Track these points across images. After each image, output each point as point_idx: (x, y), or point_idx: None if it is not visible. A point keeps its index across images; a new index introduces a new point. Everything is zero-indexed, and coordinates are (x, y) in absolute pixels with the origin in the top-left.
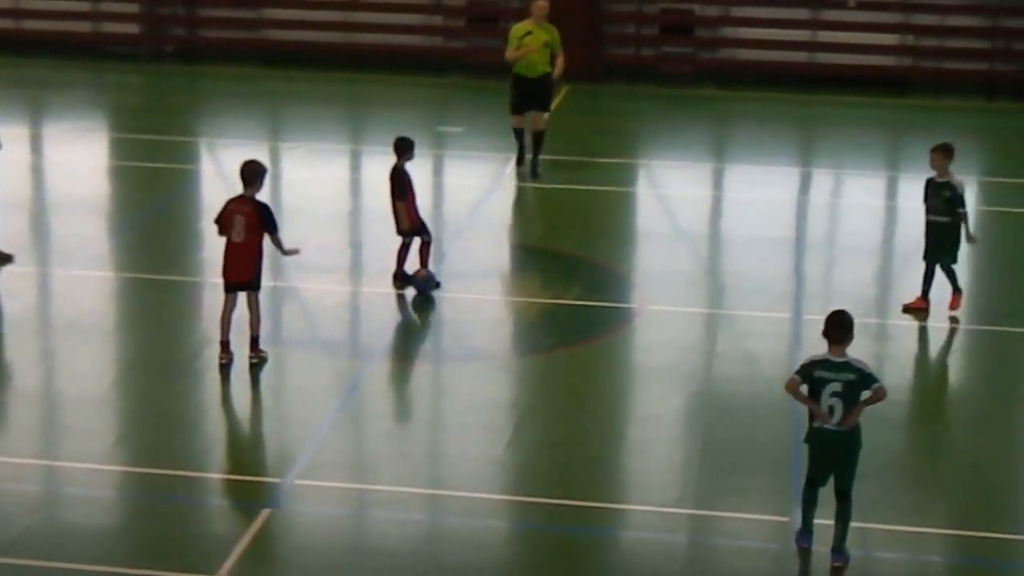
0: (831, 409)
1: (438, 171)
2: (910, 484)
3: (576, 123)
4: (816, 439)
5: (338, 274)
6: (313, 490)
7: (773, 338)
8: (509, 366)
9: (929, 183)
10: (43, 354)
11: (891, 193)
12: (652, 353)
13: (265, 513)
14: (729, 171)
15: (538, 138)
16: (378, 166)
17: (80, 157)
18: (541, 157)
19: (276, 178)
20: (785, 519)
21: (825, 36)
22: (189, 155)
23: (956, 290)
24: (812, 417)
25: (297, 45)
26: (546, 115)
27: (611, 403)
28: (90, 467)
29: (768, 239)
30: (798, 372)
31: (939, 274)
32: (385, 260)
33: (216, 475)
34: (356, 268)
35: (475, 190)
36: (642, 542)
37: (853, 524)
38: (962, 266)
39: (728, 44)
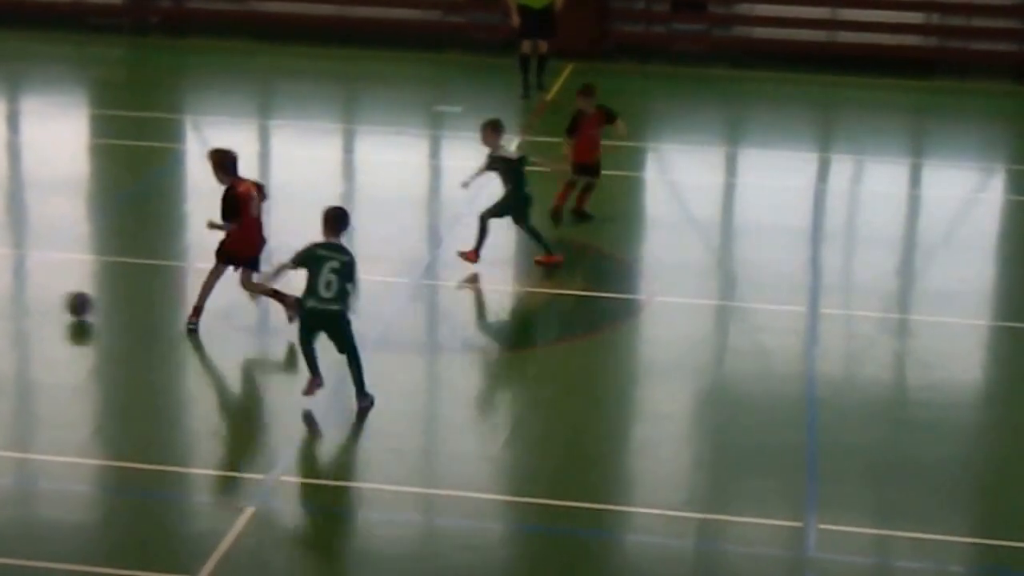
0: (328, 284)
1: (435, 153)
2: (930, 489)
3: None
4: (308, 316)
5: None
6: (299, 488)
7: (787, 333)
8: (508, 359)
9: None
10: (18, 340)
11: (914, 181)
12: (660, 347)
13: (249, 511)
14: (743, 155)
15: (541, 60)
16: (371, 146)
17: (59, 134)
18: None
19: (265, 157)
20: (798, 524)
21: (846, 14)
22: (174, 133)
23: None
24: (305, 297)
25: (288, 18)
26: (547, 42)
27: (615, 399)
28: (66, 460)
29: (783, 228)
30: (295, 259)
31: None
32: (379, 246)
33: (198, 471)
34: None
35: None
36: (646, 546)
37: (876, 531)
38: (986, 258)
39: (743, 22)
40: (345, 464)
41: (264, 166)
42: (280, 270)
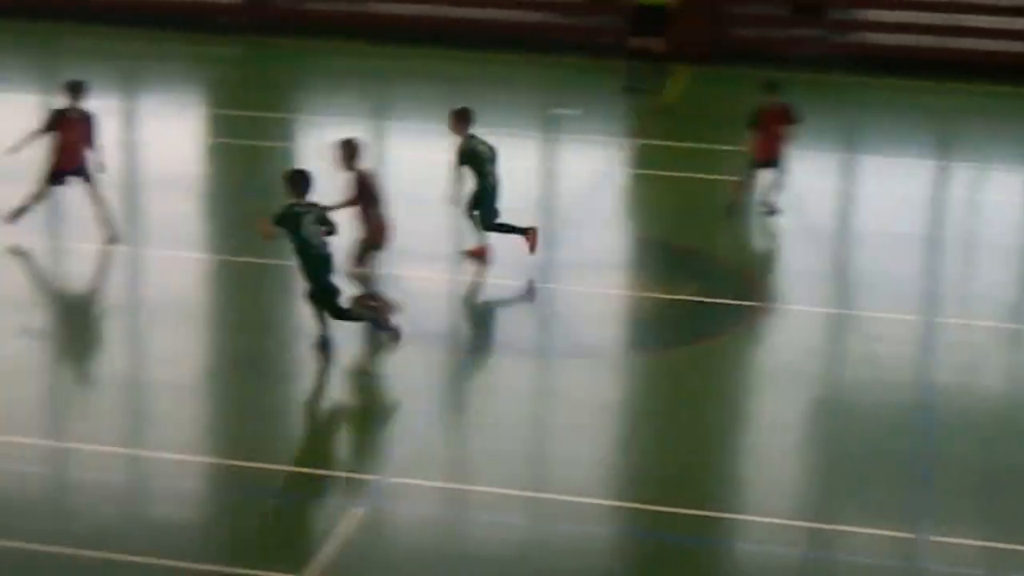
0: (313, 231)
1: (550, 156)
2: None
3: (695, 108)
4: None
5: (440, 262)
6: (409, 489)
7: (903, 342)
8: (621, 364)
9: None
10: (133, 338)
11: None
12: (773, 354)
13: (358, 512)
14: (860, 162)
15: (653, 59)
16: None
17: (178, 133)
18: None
19: (379, 158)
20: (911, 535)
21: (966, 20)
22: (289, 132)
23: None
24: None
25: (404, 19)
26: (658, 40)
27: (728, 406)
28: (178, 458)
29: (900, 235)
30: (277, 222)
31: None
32: (497, 247)
33: (308, 470)
34: (459, 255)
35: (589, 176)
36: (755, 554)
37: (989, 543)
38: None
39: (861, 27)
40: (456, 466)
41: (375, 166)
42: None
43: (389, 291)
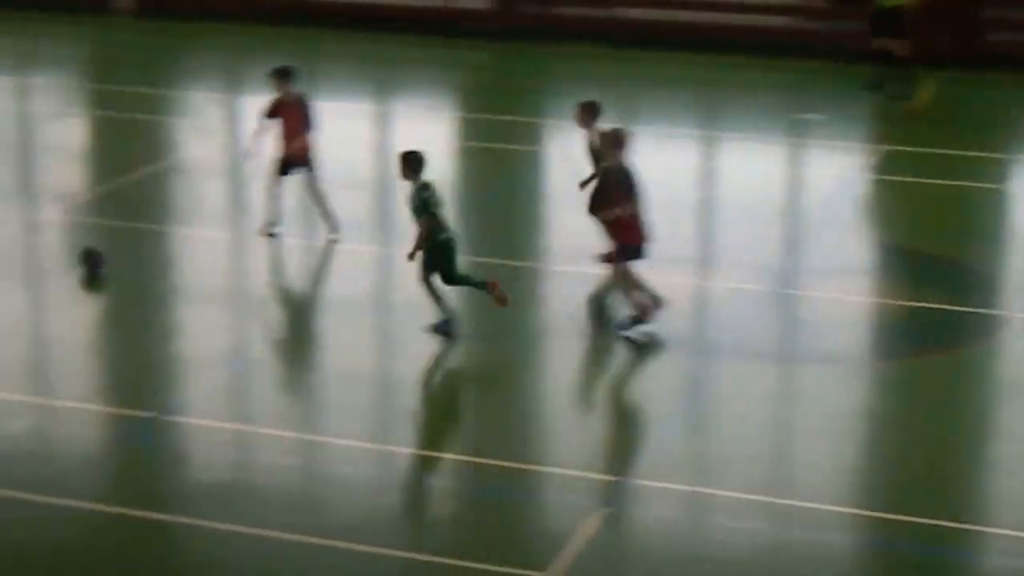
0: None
1: (795, 161)
2: None
3: (946, 114)
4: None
5: (688, 265)
6: (652, 491)
7: None
8: (865, 371)
9: None
10: (381, 336)
11: None
12: (1021, 365)
13: (601, 512)
14: None
15: (895, 62)
16: (729, 153)
17: (427, 136)
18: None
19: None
20: None
21: None
22: (535, 136)
23: None
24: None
25: (650, 24)
26: (897, 41)
27: (975, 416)
28: (425, 454)
29: None
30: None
31: None
32: (734, 252)
33: (551, 469)
34: (706, 260)
35: (833, 182)
36: (1002, 569)
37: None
38: None
39: None
40: (699, 469)
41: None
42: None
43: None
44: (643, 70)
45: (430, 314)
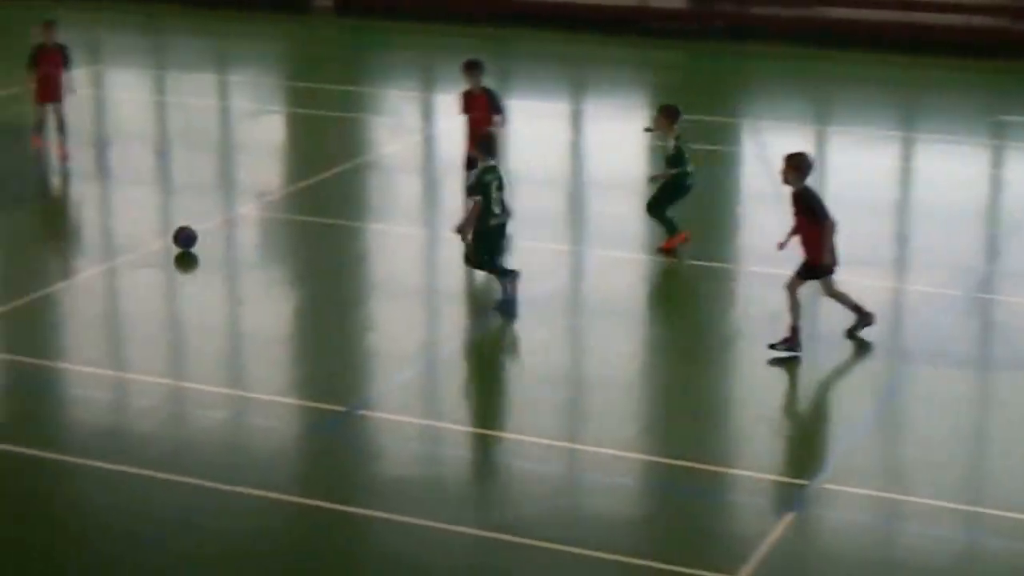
0: (497, 199)
1: (996, 163)
2: None
3: None
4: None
5: (882, 268)
6: (842, 496)
7: None
8: None
9: None
10: (573, 335)
11: None
12: None
13: (789, 516)
14: None
15: None
16: (929, 155)
17: (619, 136)
18: None
19: (821, 164)
20: None
21: None
22: (731, 136)
23: None
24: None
25: (850, 24)
26: None
27: None
28: (613, 453)
29: None
30: (472, 191)
31: None
32: (932, 255)
33: (740, 472)
34: (902, 263)
35: None
36: None
37: None
38: None
39: None
40: (888, 474)
41: (820, 173)
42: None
43: (824, 298)
44: (840, 70)
45: (621, 314)
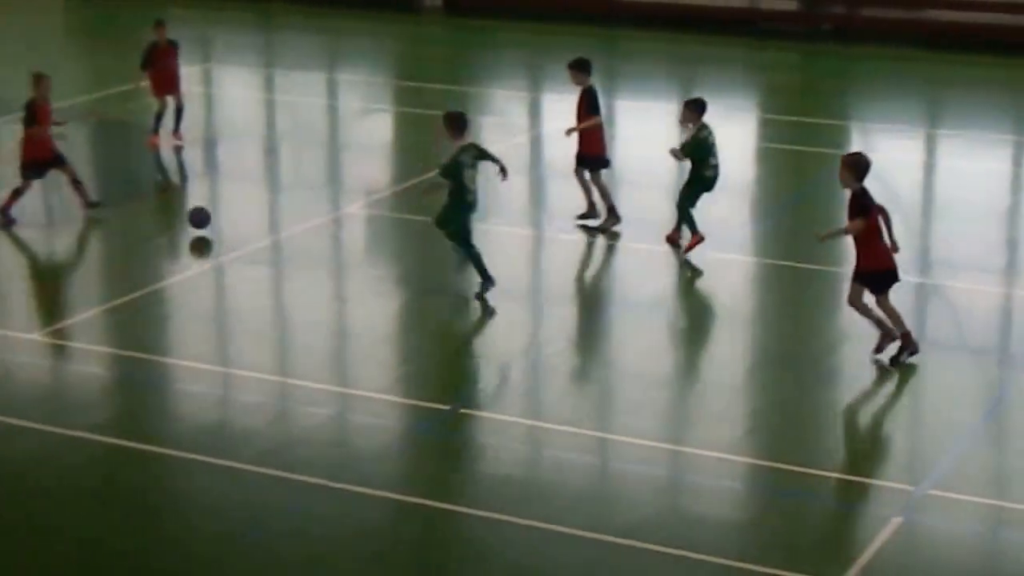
0: (470, 177)
1: None
2: None
3: None
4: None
5: (993, 274)
6: (949, 503)
7: None
8: None
9: None
10: (677, 337)
11: None
12: None
13: (895, 522)
14: None
15: None
16: None
17: (729, 137)
18: None
19: (929, 168)
20: None
21: None
22: (839, 139)
23: None
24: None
25: (959, 27)
26: None
27: None
28: (718, 456)
29: None
30: (444, 174)
31: None
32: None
33: (845, 476)
34: (1013, 268)
35: None
36: None
37: None
38: None
39: None
40: (997, 482)
41: (928, 176)
42: (432, 187)
43: (933, 303)
44: (950, 72)
45: (727, 317)
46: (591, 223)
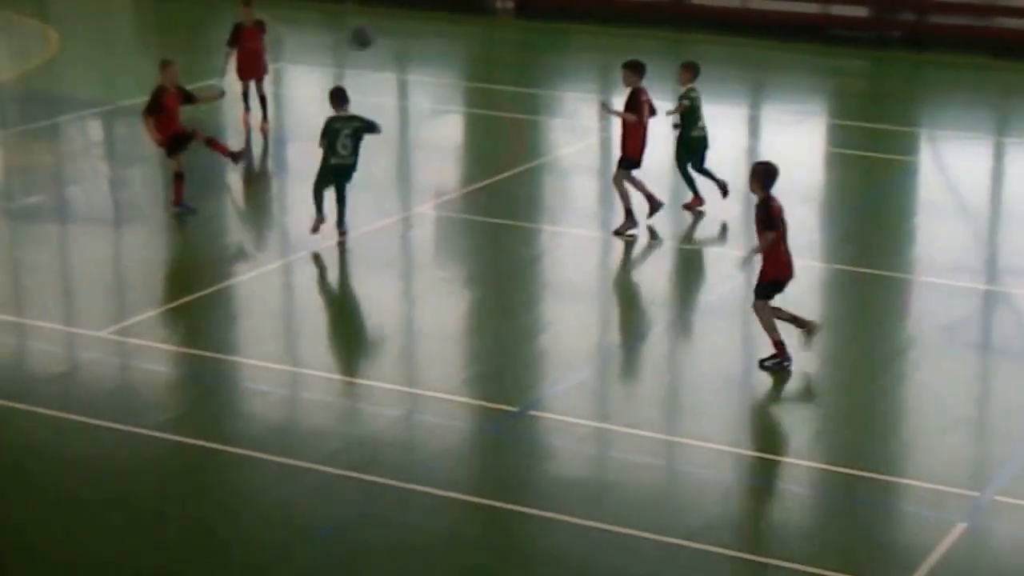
0: (344, 145)
1: None
2: None
3: None
4: (333, 169)
5: None
6: (1015, 509)
7: None
8: None
9: None
10: (746, 340)
11: None
12: None
13: (960, 527)
14: None
15: None
16: None
17: (798, 142)
18: None
19: (997, 175)
20: None
21: None
22: (908, 146)
23: None
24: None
25: None
26: None
27: None
28: (784, 460)
29: None
30: (323, 136)
31: None
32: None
33: (909, 481)
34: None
35: None
36: None
37: None
38: None
39: None
40: None
41: (996, 183)
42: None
43: (1000, 310)
44: (1019, 81)
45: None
46: (631, 231)
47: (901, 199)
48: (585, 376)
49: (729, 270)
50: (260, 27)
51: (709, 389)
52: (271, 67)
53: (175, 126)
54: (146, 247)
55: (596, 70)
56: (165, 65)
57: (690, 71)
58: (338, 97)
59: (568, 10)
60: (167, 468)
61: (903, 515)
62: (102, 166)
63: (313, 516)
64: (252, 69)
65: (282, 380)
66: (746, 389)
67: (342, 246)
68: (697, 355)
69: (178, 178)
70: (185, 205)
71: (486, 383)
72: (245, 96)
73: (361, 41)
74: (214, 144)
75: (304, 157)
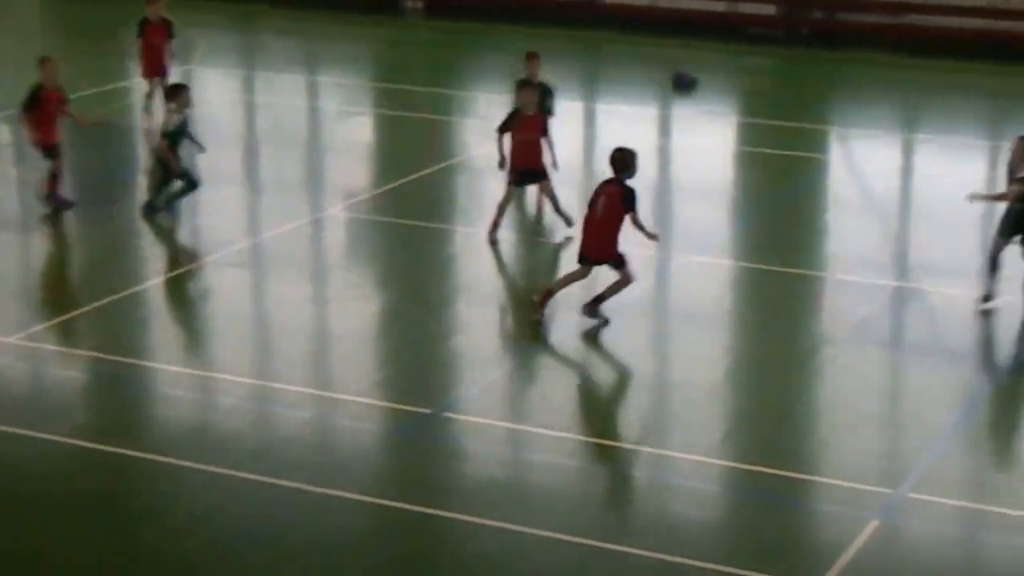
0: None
1: None
2: None
3: None
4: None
5: (970, 279)
6: (926, 505)
7: None
8: None
9: None
10: (657, 341)
11: None
12: None
13: (873, 524)
14: None
15: None
16: None
17: (708, 141)
18: None
19: (907, 172)
20: None
21: None
22: (818, 144)
23: None
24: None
25: (938, 32)
26: None
27: None
28: (697, 459)
29: None
30: (169, 137)
31: None
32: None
33: (823, 479)
34: (966, 273)
35: None
36: None
37: None
38: None
39: None
40: (973, 485)
41: (904, 181)
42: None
43: (911, 306)
44: (929, 78)
45: (706, 320)
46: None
47: (811, 197)
48: (498, 377)
49: (640, 271)
50: (165, 24)
51: (620, 388)
52: (181, 69)
53: (53, 131)
54: (54, 252)
55: (507, 70)
56: (43, 62)
57: (535, 58)
58: (183, 95)
59: (478, 10)
60: (79, 474)
61: (817, 513)
62: (8, 170)
63: (222, 522)
64: (153, 67)
65: (194, 384)
66: (658, 388)
67: (255, 248)
68: (608, 355)
69: (53, 177)
70: (58, 196)
71: (399, 385)
72: (150, 97)
73: (688, 84)
74: (54, 180)
75: (212, 160)
